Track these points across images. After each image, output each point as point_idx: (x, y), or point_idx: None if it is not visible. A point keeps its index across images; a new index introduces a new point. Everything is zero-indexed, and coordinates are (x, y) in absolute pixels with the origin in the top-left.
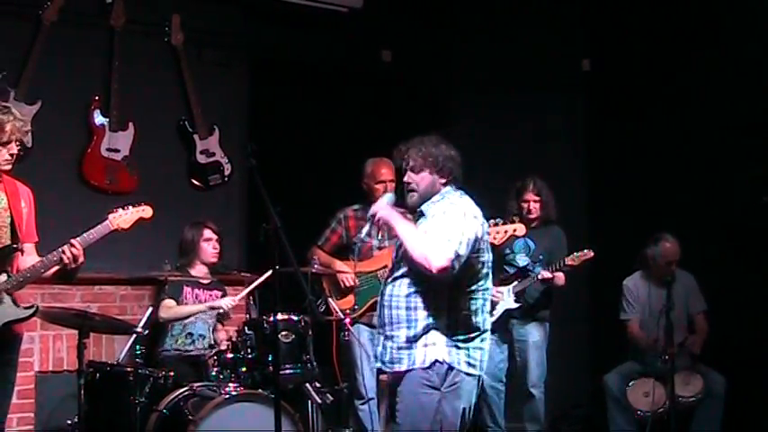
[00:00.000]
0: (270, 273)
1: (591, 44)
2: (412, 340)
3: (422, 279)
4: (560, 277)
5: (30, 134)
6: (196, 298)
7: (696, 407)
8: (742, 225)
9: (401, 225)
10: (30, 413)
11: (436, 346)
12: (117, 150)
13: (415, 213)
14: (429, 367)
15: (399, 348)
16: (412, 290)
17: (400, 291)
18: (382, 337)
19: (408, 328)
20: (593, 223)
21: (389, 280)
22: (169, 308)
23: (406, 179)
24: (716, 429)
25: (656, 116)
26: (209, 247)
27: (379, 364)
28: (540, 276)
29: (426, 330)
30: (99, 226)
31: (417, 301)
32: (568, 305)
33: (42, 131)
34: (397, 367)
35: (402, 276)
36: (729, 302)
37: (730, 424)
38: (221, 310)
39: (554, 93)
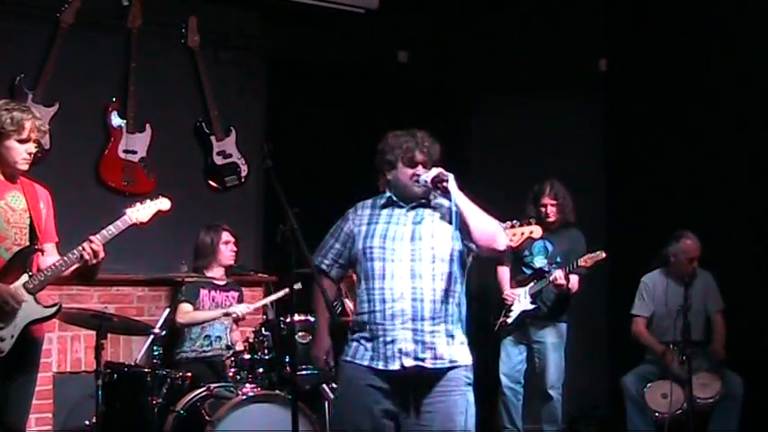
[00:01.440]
0: (286, 291)
1: (608, 44)
2: (450, 335)
3: (457, 273)
4: (573, 283)
5: (47, 135)
6: (213, 300)
7: (714, 408)
8: (761, 225)
9: (466, 199)
10: (48, 414)
11: (466, 344)
12: (134, 152)
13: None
14: (469, 366)
15: (440, 344)
16: (448, 285)
17: (436, 285)
18: (407, 332)
19: (445, 322)
20: (611, 224)
21: (421, 273)
22: (186, 313)
23: (419, 171)
24: (733, 430)
25: (675, 115)
26: (228, 249)
27: (410, 361)
28: (552, 278)
29: (457, 325)
30: (117, 221)
31: (452, 296)
32: (586, 306)
33: (60, 133)
34: (439, 364)
35: (439, 273)
36: (748, 302)
37: (748, 425)
38: (236, 316)
39: (571, 93)
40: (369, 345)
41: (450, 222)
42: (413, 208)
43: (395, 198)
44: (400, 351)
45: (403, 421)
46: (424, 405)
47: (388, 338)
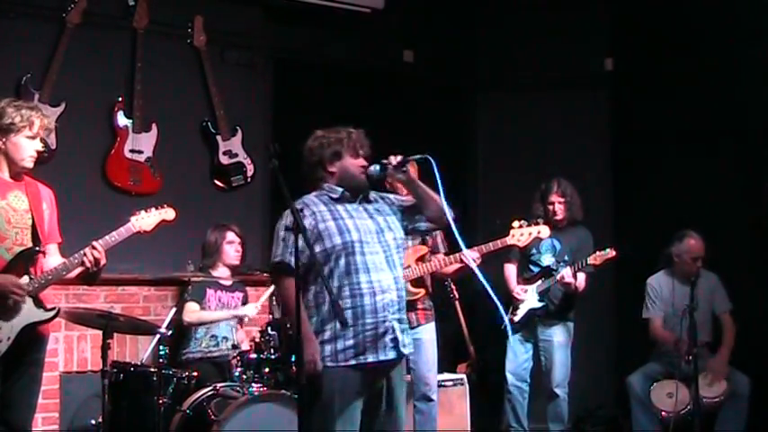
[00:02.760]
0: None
1: (614, 43)
2: None
3: None
4: (580, 282)
5: (53, 135)
6: (219, 301)
7: (720, 407)
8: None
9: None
10: (54, 413)
11: None
12: (140, 151)
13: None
14: None
15: (406, 330)
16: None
17: (402, 272)
18: (395, 323)
19: None
20: (617, 222)
21: (394, 263)
22: (193, 312)
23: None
24: (740, 430)
25: (680, 114)
26: (232, 249)
27: (401, 349)
28: (559, 277)
29: None
30: (121, 228)
31: None
32: (593, 305)
33: (66, 133)
34: (406, 350)
35: (400, 261)
36: (754, 302)
37: (755, 424)
38: (246, 319)
39: (577, 92)
40: (350, 342)
41: (394, 212)
42: (359, 202)
43: (347, 192)
44: (395, 340)
45: (374, 412)
46: (395, 394)
47: (380, 330)
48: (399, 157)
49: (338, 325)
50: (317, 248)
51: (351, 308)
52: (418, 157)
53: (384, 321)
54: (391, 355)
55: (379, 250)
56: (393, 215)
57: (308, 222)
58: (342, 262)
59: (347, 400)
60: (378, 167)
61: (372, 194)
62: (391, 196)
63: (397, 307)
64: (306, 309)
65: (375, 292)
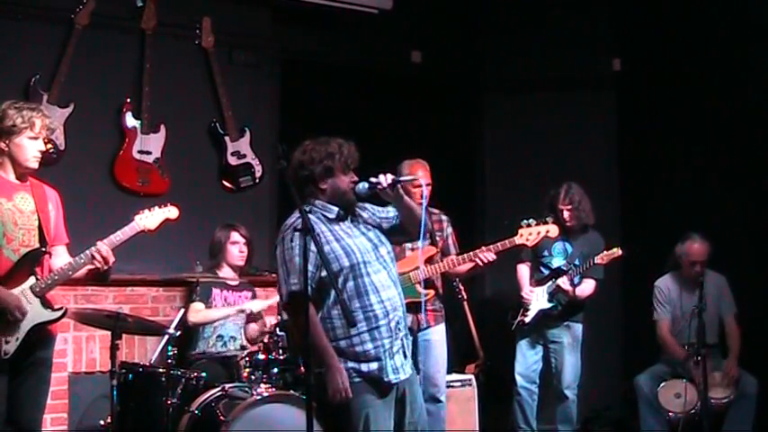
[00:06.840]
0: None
1: (621, 43)
2: None
3: None
4: (583, 290)
5: (61, 134)
6: (225, 300)
7: (728, 408)
8: None
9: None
10: (63, 413)
11: None
12: (149, 152)
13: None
14: None
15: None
16: None
17: (400, 287)
18: (404, 339)
19: None
20: (625, 224)
21: (395, 279)
22: (197, 311)
23: (354, 177)
24: (748, 430)
25: (688, 115)
26: (236, 249)
27: (409, 368)
28: (555, 286)
29: None
30: (125, 228)
31: None
32: (601, 307)
33: (75, 134)
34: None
35: (396, 275)
36: (761, 303)
37: (762, 425)
38: (250, 313)
39: (585, 93)
40: (374, 366)
41: (377, 225)
42: (351, 220)
43: (341, 211)
44: (405, 357)
45: (401, 419)
46: (413, 404)
47: (395, 349)
48: (389, 178)
49: (366, 346)
50: (324, 271)
51: (367, 330)
52: (409, 178)
53: (397, 339)
54: (408, 372)
55: (380, 268)
56: (377, 228)
57: (312, 246)
58: (350, 284)
59: (379, 415)
60: (366, 186)
61: (357, 209)
62: (369, 207)
63: (403, 323)
64: (325, 332)
65: (387, 311)
